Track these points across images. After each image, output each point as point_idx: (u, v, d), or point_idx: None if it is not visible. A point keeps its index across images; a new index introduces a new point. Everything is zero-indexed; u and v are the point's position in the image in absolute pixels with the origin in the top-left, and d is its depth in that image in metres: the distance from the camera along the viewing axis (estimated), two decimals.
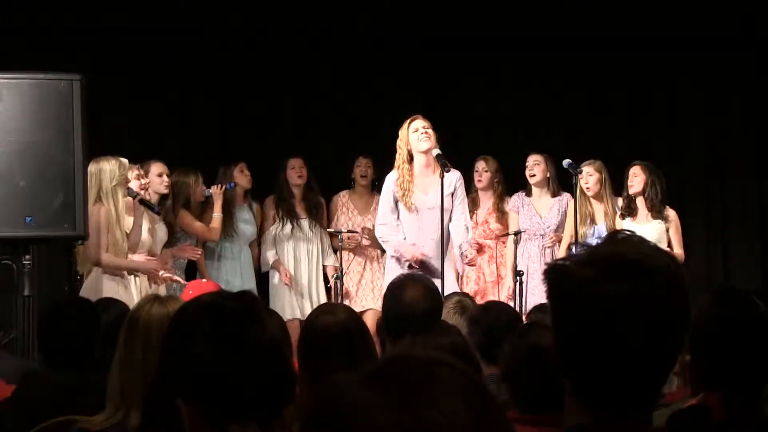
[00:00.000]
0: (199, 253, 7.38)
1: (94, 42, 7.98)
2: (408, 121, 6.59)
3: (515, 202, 7.56)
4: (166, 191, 7.11)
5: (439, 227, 6.29)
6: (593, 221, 7.26)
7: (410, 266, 6.48)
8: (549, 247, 7.39)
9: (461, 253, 6.67)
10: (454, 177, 6.58)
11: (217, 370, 1.95)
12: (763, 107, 8.65)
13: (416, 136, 6.54)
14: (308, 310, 7.70)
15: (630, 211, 7.15)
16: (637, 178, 7.13)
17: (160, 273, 6.58)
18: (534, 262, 7.35)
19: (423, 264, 6.49)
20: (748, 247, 8.72)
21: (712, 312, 2.49)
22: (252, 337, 1.98)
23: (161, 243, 7.03)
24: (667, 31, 8.49)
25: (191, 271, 7.63)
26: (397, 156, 6.61)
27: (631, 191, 7.16)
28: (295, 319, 7.55)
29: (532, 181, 7.51)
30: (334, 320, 3.24)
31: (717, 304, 2.50)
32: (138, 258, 6.50)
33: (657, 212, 7.10)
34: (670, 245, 7.06)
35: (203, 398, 1.97)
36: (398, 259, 6.64)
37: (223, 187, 7.48)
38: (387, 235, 6.70)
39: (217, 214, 7.44)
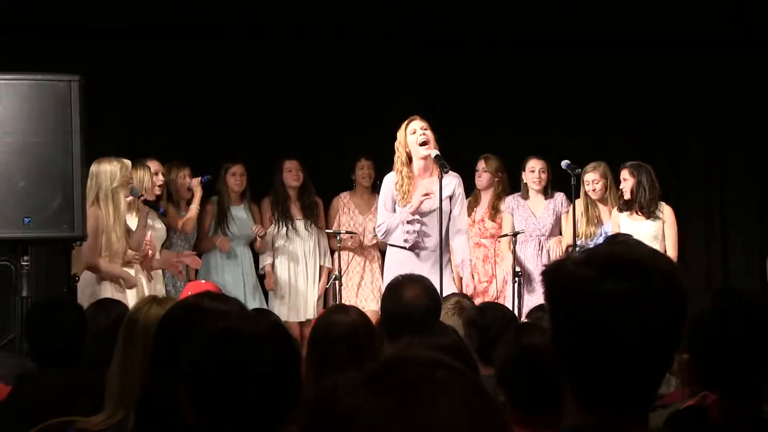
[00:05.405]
0: (200, 264, 7.34)
1: (94, 42, 7.98)
2: (406, 122, 6.43)
3: (510, 203, 7.52)
4: (159, 191, 7.09)
5: (437, 231, 6.25)
6: (600, 222, 7.28)
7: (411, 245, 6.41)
8: (554, 250, 7.36)
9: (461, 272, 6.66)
10: (454, 181, 6.48)
11: (210, 372, 1.94)
12: (763, 107, 8.64)
13: (414, 138, 6.40)
14: (303, 312, 7.70)
15: (628, 205, 7.14)
16: (626, 183, 7.13)
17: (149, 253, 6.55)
18: (531, 263, 7.34)
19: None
20: (748, 247, 8.72)
21: (712, 312, 2.49)
22: (246, 339, 1.97)
23: (160, 241, 7.04)
24: (667, 31, 8.48)
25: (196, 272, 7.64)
26: (396, 159, 6.49)
27: (624, 197, 7.18)
28: (291, 322, 7.52)
29: (535, 187, 7.47)
30: (345, 320, 3.24)
31: (717, 304, 2.50)
32: (132, 254, 6.47)
33: (648, 212, 7.09)
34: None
35: (201, 403, 1.96)
36: (402, 248, 6.49)
37: (200, 179, 7.45)
38: (385, 224, 6.44)
39: (193, 206, 7.41)
